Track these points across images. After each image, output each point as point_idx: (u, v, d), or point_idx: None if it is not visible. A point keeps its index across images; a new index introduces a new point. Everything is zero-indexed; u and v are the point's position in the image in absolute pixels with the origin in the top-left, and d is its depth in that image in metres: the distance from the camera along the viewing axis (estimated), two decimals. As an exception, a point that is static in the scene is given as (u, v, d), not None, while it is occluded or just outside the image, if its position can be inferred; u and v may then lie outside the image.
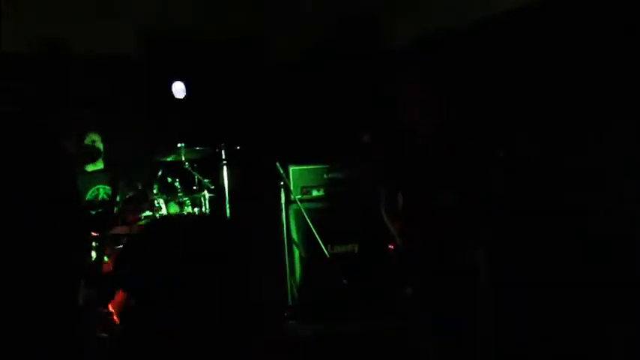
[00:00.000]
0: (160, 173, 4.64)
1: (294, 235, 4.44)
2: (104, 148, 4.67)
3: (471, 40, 4.67)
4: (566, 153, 4.14)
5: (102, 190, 4.65)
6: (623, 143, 3.86)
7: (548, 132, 4.28)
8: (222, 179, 4.83)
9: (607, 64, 3.94)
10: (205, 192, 4.67)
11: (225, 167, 4.81)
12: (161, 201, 4.48)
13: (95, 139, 4.61)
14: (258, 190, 4.81)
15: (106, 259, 4.14)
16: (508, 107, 4.47)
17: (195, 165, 4.84)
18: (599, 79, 3.97)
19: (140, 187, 4.56)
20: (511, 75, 4.46)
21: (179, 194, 4.61)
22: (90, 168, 4.61)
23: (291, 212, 4.50)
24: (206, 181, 4.75)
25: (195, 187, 4.73)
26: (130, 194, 4.48)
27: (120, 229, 4.31)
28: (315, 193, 4.54)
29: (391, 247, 3.77)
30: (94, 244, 4.08)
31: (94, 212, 4.26)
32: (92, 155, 4.54)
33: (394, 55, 5.13)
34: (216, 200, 4.77)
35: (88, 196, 4.54)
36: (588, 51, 4.03)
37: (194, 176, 4.75)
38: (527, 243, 4.05)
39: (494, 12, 4.56)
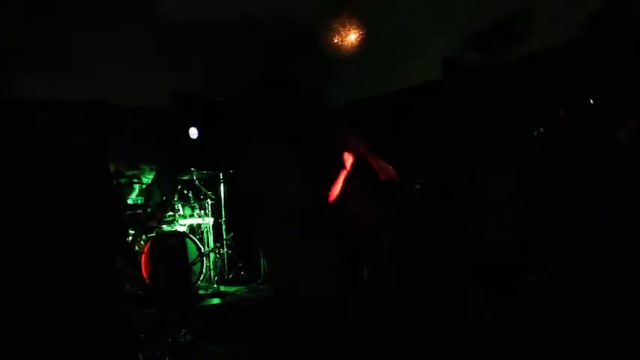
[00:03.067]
0: (179, 187, 6.02)
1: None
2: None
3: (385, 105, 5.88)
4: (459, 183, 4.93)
5: (140, 200, 5.90)
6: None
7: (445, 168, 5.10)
8: (220, 192, 6.17)
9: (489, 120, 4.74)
10: (208, 200, 6.08)
11: (222, 183, 6.17)
12: (179, 205, 5.88)
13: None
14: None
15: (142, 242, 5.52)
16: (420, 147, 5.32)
17: (202, 182, 6.17)
18: (482, 130, 4.75)
19: (165, 197, 5.90)
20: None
21: (191, 201, 6.02)
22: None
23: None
24: (209, 193, 6.13)
25: (202, 197, 6.11)
26: (160, 200, 5.85)
27: (150, 223, 5.63)
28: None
29: None
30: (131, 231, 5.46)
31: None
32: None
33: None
34: (216, 206, 6.18)
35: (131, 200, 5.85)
36: (473, 114, 4.88)
37: (201, 189, 6.13)
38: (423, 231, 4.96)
39: (401, 87, 5.73)
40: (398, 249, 4.50)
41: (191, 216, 6.02)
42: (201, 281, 5.75)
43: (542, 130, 4.35)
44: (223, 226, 6.23)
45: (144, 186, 5.96)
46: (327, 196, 3.91)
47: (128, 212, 5.57)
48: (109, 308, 3.10)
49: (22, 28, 4.70)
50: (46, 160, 3.08)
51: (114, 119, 5.36)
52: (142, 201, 5.88)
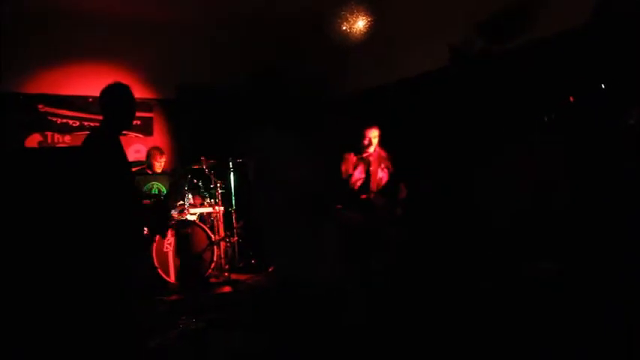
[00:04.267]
0: (189, 176, 5.99)
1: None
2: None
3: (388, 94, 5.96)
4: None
5: (155, 186, 5.91)
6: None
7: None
8: (230, 180, 6.22)
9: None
10: (218, 188, 6.02)
11: (231, 173, 6.22)
12: (189, 194, 5.84)
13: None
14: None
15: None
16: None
17: (212, 171, 6.08)
18: (491, 118, 4.80)
19: (176, 187, 5.78)
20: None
21: (201, 190, 6.01)
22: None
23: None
24: (219, 181, 6.08)
25: (211, 186, 6.05)
26: (170, 190, 5.78)
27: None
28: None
29: None
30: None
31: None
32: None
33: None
34: (226, 194, 6.17)
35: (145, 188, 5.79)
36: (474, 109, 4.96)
37: (211, 178, 6.07)
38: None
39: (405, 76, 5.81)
40: (405, 240, 4.53)
41: (201, 205, 5.96)
42: (213, 269, 5.72)
43: (552, 116, 4.34)
44: (233, 215, 6.20)
45: (155, 175, 5.96)
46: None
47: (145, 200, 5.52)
48: (117, 298, 3.07)
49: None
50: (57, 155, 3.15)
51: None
52: (156, 190, 5.88)
